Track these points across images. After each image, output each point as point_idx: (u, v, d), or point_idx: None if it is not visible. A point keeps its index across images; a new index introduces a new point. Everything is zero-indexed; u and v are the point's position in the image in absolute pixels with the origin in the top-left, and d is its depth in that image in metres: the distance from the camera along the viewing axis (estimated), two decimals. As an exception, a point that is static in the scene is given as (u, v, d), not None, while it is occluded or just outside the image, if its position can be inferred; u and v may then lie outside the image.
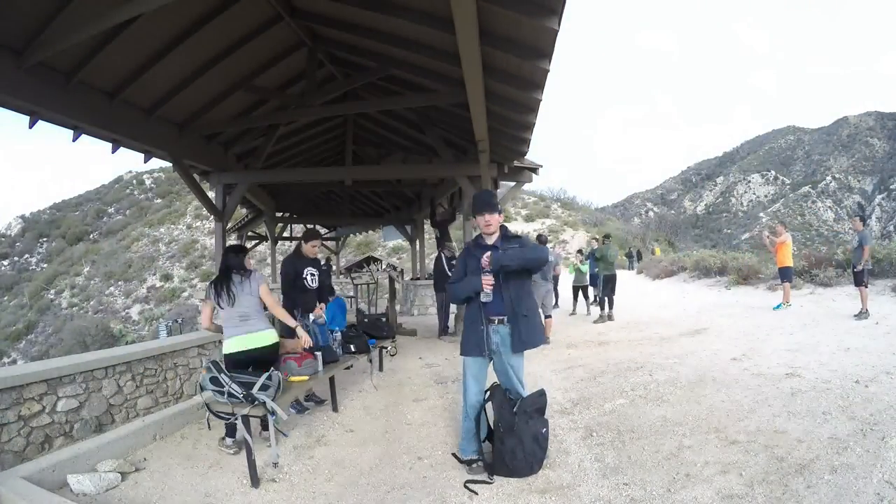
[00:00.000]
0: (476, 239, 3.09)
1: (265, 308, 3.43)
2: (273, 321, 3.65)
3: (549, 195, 43.23)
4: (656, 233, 40.19)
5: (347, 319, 5.75)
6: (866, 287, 6.82)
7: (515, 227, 32.41)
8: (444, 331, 7.86)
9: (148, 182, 52.66)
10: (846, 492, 2.23)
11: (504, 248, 2.92)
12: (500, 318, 2.89)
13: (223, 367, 3.09)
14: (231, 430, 3.36)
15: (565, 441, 3.25)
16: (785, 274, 8.23)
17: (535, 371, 4.91)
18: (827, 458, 2.55)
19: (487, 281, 2.82)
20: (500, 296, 2.87)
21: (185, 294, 32.49)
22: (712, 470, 2.62)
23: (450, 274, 7.81)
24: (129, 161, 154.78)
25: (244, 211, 13.07)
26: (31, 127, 4.66)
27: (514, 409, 2.86)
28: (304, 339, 3.54)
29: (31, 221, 49.79)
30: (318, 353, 3.83)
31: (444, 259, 7.79)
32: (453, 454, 3.15)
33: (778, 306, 8.09)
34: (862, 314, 6.57)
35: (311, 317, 4.41)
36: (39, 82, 4.26)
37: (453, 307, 8.17)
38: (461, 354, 3.03)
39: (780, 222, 9.78)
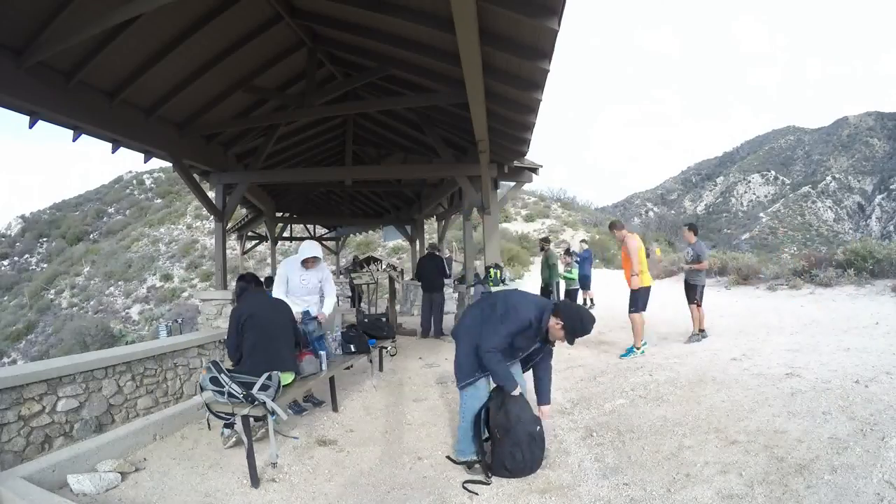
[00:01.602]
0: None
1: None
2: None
3: (549, 195, 43.11)
4: (656, 233, 40.09)
5: (347, 319, 5.76)
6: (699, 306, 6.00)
7: (515, 227, 32.38)
8: (439, 332, 7.85)
9: (148, 182, 52.57)
10: (846, 492, 2.22)
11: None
12: None
13: (223, 367, 3.10)
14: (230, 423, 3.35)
15: (565, 441, 3.25)
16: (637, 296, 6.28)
17: (535, 371, 4.91)
18: (827, 458, 2.54)
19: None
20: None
21: (185, 294, 32.32)
22: (712, 470, 2.62)
23: (450, 273, 7.75)
24: (130, 161, 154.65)
25: (244, 211, 13.04)
26: (31, 127, 4.65)
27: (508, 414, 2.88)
28: None
29: (31, 221, 49.70)
30: (322, 353, 3.87)
31: (444, 259, 7.80)
32: (447, 457, 3.14)
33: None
34: (694, 337, 5.88)
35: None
36: (39, 82, 4.26)
37: (450, 307, 8.16)
38: (465, 382, 3.07)
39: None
